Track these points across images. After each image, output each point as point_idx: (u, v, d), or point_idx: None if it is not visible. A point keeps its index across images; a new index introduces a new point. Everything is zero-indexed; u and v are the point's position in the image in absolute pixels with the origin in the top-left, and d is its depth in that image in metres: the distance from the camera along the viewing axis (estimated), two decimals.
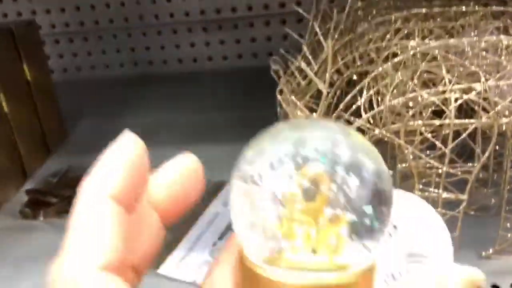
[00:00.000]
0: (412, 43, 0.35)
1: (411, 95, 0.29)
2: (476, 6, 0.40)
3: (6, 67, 0.58)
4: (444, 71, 0.29)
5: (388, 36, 0.38)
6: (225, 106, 0.73)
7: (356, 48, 0.39)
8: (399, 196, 0.21)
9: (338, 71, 0.42)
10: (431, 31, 0.39)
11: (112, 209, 0.17)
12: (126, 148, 0.19)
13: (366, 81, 0.31)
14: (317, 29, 0.39)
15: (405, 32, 0.39)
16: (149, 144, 0.62)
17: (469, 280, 0.17)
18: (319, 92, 0.43)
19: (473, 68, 0.29)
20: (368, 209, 0.18)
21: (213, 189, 0.51)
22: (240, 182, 0.19)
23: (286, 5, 0.83)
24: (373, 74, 0.31)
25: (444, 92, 0.28)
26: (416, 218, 0.21)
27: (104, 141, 0.64)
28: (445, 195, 0.31)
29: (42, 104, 0.63)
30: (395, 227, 0.21)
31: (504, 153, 0.37)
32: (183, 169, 0.20)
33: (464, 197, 0.31)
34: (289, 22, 0.83)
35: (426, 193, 0.31)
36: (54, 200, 0.54)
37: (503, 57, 0.32)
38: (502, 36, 0.32)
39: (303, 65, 0.35)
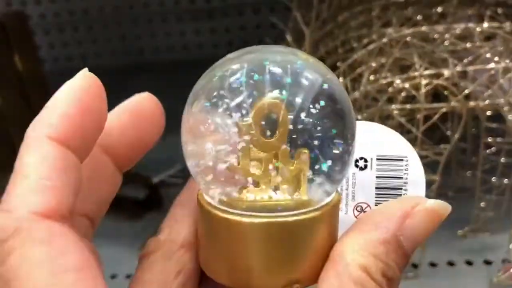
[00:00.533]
0: (389, 30, 0.36)
1: (384, 81, 0.30)
2: None
3: None
4: (415, 58, 0.30)
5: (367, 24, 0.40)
6: None
7: (337, 36, 0.40)
8: (372, 130, 0.20)
9: (321, 59, 0.44)
10: (410, 18, 0.41)
11: (53, 151, 0.15)
12: (76, 87, 0.16)
13: (342, 68, 0.33)
14: (299, 19, 0.40)
15: (384, 20, 0.40)
16: None
17: (434, 211, 0.17)
18: None
19: (442, 54, 0.31)
20: (330, 138, 0.17)
21: None
22: (192, 115, 0.18)
23: None
24: (349, 61, 0.33)
25: (414, 77, 0.30)
26: (389, 151, 0.20)
27: None
28: None
29: (35, 94, 0.64)
30: (365, 160, 0.20)
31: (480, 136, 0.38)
32: (139, 111, 0.19)
33: (435, 177, 0.32)
34: (278, 10, 0.84)
35: None
36: None
37: (477, 43, 0.33)
38: (471, 24, 0.33)
39: None
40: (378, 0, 0.42)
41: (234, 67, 0.17)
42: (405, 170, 0.20)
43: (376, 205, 0.20)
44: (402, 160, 0.20)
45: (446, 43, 0.34)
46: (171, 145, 0.58)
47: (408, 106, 0.30)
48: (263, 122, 0.16)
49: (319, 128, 0.17)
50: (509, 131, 0.32)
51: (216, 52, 0.88)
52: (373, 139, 0.20)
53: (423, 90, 0.29)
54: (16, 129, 0.59)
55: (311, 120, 0.16)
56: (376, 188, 0.20)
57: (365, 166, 0.20)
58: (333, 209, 0.18)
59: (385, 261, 0.17)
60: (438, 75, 0.30)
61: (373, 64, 0.31)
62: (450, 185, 0.44)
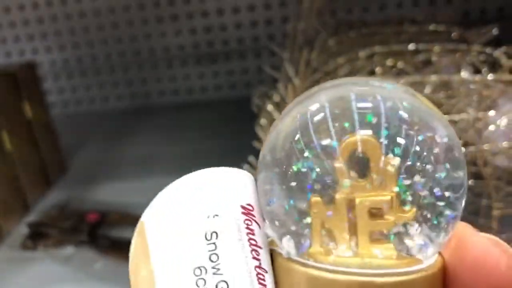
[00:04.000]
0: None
1: None
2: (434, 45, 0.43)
3: (9, 108, 0.61)
4: None
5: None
6: (219, 135, 0.77)
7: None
8: None
9: None
10: (393, 66, 0.43)
11: None
12: None
13: None
14: (288, 69, 0.42)
15: (369, 69, 0.42)
16: (147, 174, 0.66)
17: None
18: None
19: None
20: (439, 188, 0.14)
21: None
22: (268, 167, 0.16)
23: (275, 38, 0.87)
24: None
25: None
26: None
27: (102, 173, 0.68)
28: None
29: (42, 140, 0.67)
30: None
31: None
32: None
33: None
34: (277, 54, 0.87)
35: None
36: (54, 231, 0.57)
37: (451, 92, 0.35)
38: (438, 76, 0.35)
39: (270, 107, 0.39)
40: (363, 49, 0.45)
41: (314, 104, 0.15)
42: None
43: None
44: None
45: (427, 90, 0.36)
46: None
47: None
48: (353, 163, 0.14)
49: (427, 172, 0.14)
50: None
51: (219, 95, 0.91)
52: None
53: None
54: (24, 174, 0.62)
55: (416, 161, 0.14)
56: None
57: None
58: (441, 272, 0.15)
59: None
60: None
61: None
62: None
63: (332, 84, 0.16)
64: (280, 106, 0.46)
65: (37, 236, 0.56)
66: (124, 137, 0.80)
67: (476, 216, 0.39)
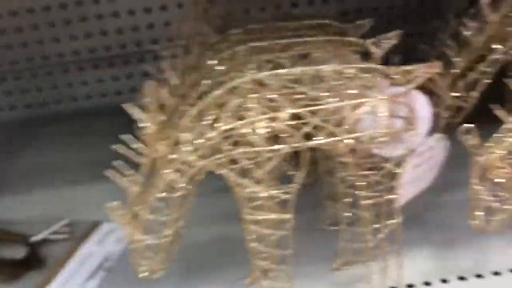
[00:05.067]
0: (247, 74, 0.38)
1: (224, 127, 0.32)
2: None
3: None
4: (254, 103, 0.32)
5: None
6: (112, 143, 0.74)
7: (201, 84, 0.41)
8: None
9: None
10: (269, 61, 0.42)
11: None
12: None
13: (186, 119, 0.34)
14: (165, 69, 0.41)
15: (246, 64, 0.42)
16: (33, 187, 0.61)
17: None
18: None
19: (274, 97, 0.32)
20: None
21: (89, 228, 0.51)
22: None
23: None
24: (193, 112, 0.34)
25: (252, 122, 0.31)
26: None
27: None
28: (273, 216, 0.33)
29: None
30: None
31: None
32: None
33: (287, 216, 0.33)
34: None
35: (253, 216, 0.34)
36: None
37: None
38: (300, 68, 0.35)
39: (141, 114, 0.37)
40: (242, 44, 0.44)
41: None
42: None
43: None
44: None
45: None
46: (58, 199, 0.57)
47: (251, 150, 0.31)
48: None
49: None
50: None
51: (120, 99, 0.88)
52: None
53: (261, 134, 0.31)
54: None
55: None
56: None
57: None
58: None
59: None
60: (275, 118, 0.31)
61: (213, 112, 0.32)
62: (326, 218, 0.45)
63: None
64: (162, 109, 0.45)
65: None
66: (15, 148, 0.76)
67: (354, 207, 0.40)
